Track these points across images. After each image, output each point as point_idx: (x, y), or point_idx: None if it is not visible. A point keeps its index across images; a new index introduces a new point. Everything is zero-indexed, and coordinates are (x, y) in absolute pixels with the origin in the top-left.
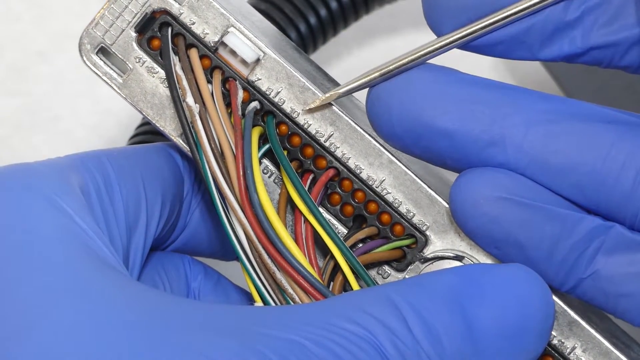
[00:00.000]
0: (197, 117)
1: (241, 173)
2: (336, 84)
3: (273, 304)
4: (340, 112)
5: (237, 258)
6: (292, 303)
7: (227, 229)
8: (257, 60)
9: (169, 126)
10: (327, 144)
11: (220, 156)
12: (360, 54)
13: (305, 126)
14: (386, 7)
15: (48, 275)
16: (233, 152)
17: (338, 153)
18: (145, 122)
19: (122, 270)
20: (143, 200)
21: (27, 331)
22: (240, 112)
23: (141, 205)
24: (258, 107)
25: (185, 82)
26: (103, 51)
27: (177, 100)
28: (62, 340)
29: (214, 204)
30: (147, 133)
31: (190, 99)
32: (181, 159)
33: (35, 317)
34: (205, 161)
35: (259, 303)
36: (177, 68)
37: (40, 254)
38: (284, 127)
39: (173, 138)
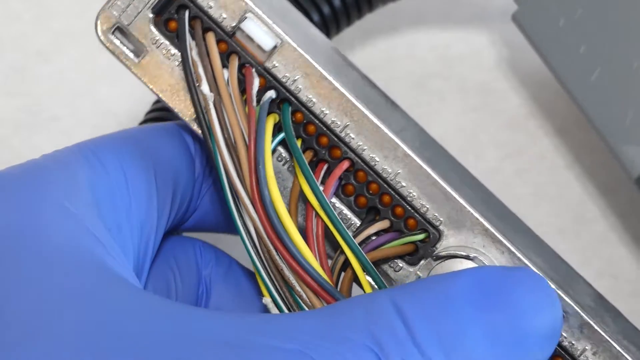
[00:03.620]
0: (211, 107)
1: (253, 168)
2: (354, 69)
3: (280, 300)
4: (356, 103)
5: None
6: (300, 300)
7: (237, 223)
8: (274, 47)
9: (184, 109)
10: (342, 135)
11: (233, 147)
12: (362, 53)
13: (321, 116)
14: (388, 6)
15: (55, 283)
16: (246, 143)
17: (353, 144)
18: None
19: (130, 279)
20: (154, 193)
21: (30, 338)
22: (255, 103)
23: (152, 198)
24: (274, 96)
25: (200, 69)
26: (119, 31)
27: (192, 88)
28: (64, 349)
29: (224, 196)
30: (164, 109)
31: (205, 87)
32: (193, 142)
33: (39, 324)
34: (217, 152)
35: (267, 298)
36: (194, 53)
37: (48, 262)
38: (299, 115)
39: (188, 122)
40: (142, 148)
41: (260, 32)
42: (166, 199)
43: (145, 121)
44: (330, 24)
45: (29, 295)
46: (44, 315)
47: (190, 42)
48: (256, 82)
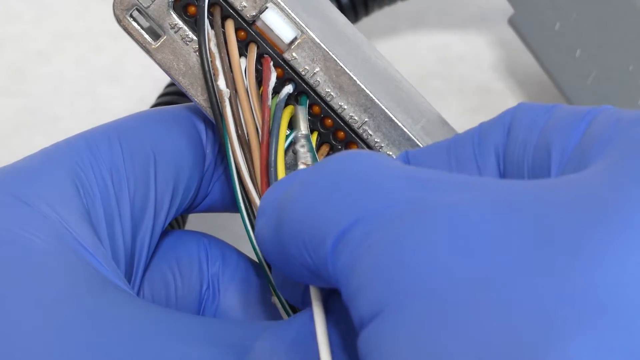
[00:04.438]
0: (227, 103)
1: (264, 168)
2: (379, 57)
3: (287, 303)
4: (375, 99)
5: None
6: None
7: (246, 224)
8: (294, 39)
9: (201, 96)
10: (360, 131)
11: (246, 144)
12: None
13: (339, 111)
14: (385, 8)
15: (40, 290)
16: (260, 141)
17: (370, 141)
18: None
19: (122, 286)
20: (152, 192)
21: (18, 347)
22: (270, 101)
23: (149, 197)
24: (291, 91)
25: (218, 62)
26: (137, 14)
27: (208, 81)
28: (51, 355)
29: (234, 195)
30: (177, 94)
31: (221, 82)
32: (205, 128)
33: (25, 331)
34: (229, 148)
35: (276, 298)
36: (212, 44)
37: (30, 264)
38: (316, 108)
39: (204, 109)
40: (145, 141)
41: (280, 23)
42: (164, 197)
43: (157, 104)
44: None
45: (14, 304)
46: (29, 322)
47: (208, 30)
48: (273, 77)
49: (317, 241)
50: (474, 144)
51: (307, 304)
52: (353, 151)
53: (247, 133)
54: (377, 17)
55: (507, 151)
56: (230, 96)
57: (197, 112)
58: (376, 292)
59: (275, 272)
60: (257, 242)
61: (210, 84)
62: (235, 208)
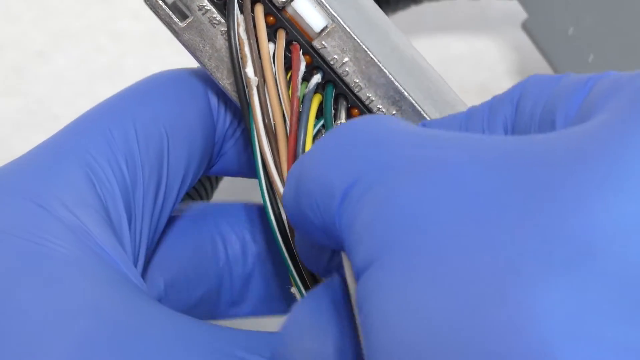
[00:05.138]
0: (255, 91)
1: (291, 160)
2: (406, 43)
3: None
4: (404, 92)
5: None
6: None
7: (269, 212)
8: (325, 27)
9: (226, 79)
10: None
11: (272, 134)
12: None
13: (367, 102)
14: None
15: (58, 296)
16: (287, 132)
17: None
18: None
19: (139, 285)
20: (164, 177)
21: (35, 349)
22: (299, 92)
23: (161, 182)
24: (320, 80)
25: (247, 49)
26: None
27: (236, 68)
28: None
29: (259, 185)
30: None
31: (250, 70)
32: (217, 99)
33: (46, 345)
34: (255, 138)
35: (295, 288)
36: (241, 30)
37: (52, 274)
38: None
39: (229, 92)
40: (157, 119)
41: (311, 11)
42: (174, 183)
43: None
44: None
45: (35, 316)
46: (50, 334)
47: (237, 15)
48: (302, 66)
49: (327, 201)
50: (483, 117)
51: (329, 273)
52: (367, 116)
53: (274, 122)
54: None
55: (515, 125)
56: (258, 84)
57: (210, 80)
58: (368, 245)
59: (298, 241)
60: (283, 208)
61: (238, 71)
62: (250, 173)
